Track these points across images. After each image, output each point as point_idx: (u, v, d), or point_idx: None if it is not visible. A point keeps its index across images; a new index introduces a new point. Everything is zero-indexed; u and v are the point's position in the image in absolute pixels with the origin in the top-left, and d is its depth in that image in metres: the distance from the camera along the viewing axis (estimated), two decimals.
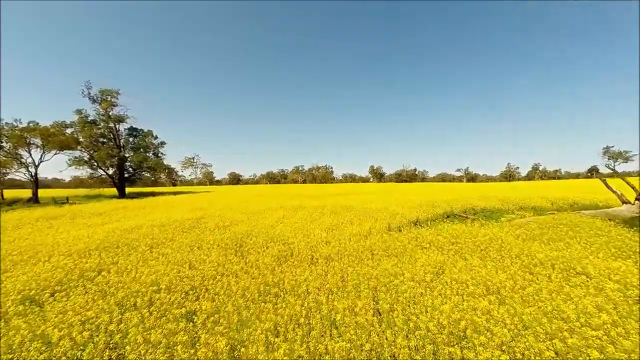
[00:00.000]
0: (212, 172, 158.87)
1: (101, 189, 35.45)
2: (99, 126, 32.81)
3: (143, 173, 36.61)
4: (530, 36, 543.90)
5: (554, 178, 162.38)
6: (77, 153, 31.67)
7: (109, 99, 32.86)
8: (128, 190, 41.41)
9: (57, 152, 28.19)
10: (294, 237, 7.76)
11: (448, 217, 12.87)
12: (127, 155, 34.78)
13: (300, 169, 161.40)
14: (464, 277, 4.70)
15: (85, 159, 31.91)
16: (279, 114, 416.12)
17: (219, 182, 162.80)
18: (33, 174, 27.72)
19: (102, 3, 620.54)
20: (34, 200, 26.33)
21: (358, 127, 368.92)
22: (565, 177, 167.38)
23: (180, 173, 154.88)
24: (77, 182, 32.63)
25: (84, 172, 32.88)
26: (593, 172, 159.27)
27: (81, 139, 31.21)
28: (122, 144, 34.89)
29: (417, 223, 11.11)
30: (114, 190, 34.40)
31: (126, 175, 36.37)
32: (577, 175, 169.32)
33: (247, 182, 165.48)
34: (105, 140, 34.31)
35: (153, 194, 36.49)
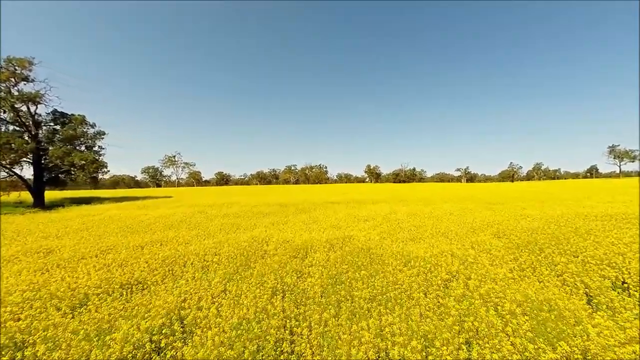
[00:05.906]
0: (198, 171, 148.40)
1: (19, 195, 26.26)
2: (3, 108, 23.51)
3: (74, 172, 27.28)
4: (530, 36, 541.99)
5: (553, 178, 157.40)
6: None
7: (17, 71, 23.59)
8: (57, 196, 32.21)
9: None
10: None
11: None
12: (48, 148, 25.52)
13: (292, 168, 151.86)
14: None
15: None
16: (275, 113, 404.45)
17: (207, 182, 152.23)
18: None
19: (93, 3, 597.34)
20: None
21: (355, 126, 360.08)
22: (564, 177, 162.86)
23: (164, 173, 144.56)
24: None
25: None
26: (593, 171, 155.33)
27: None
28: (39, 133, 25.58)
29: None
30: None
31: (53, 176, 27.28)
32: (576, 175, 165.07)
33: (236, 183, 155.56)
34: (17, 128, 25.07)
35: (85, 202, 27.45)
